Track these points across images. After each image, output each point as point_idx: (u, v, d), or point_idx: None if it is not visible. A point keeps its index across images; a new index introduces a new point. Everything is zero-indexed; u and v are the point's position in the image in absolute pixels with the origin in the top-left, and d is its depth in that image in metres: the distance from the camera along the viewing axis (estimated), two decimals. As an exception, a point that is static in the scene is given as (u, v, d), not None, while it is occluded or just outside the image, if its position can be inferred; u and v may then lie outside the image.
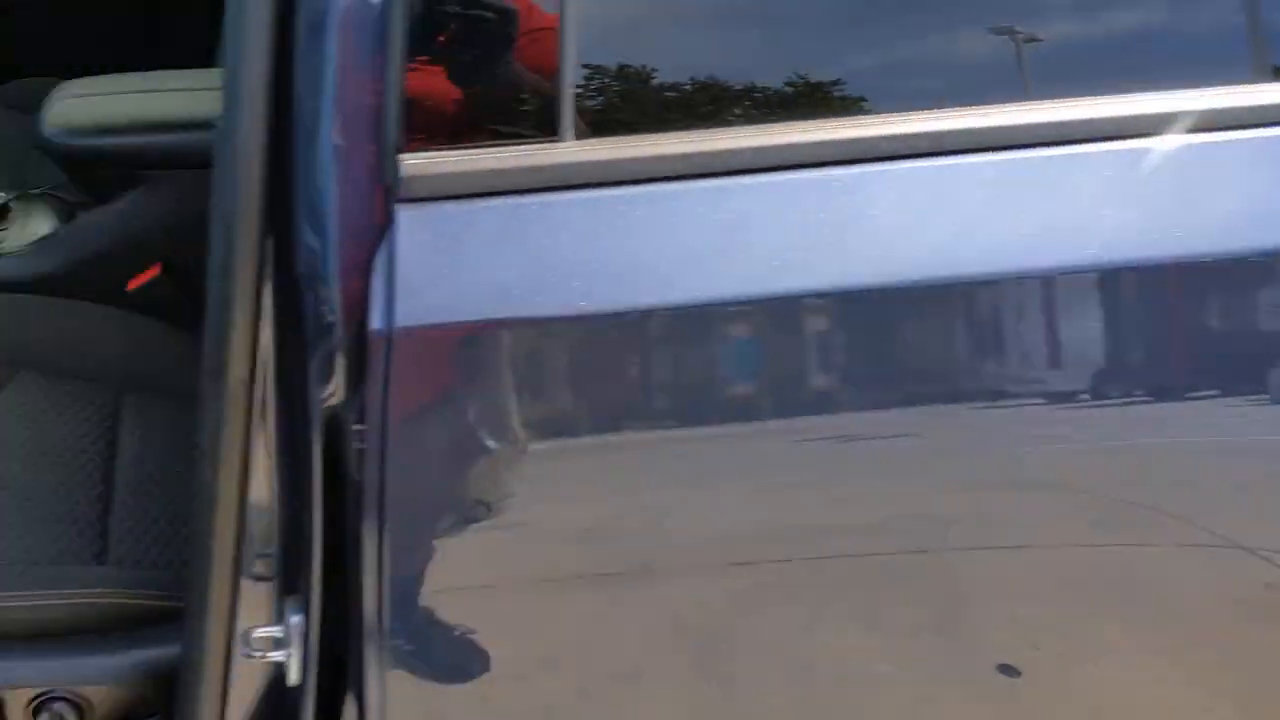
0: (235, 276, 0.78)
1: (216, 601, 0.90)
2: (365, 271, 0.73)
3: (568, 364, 0.76)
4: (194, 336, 1.52)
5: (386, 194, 0.73)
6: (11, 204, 1.55)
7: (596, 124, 0.75)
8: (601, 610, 0.89)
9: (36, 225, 1.54)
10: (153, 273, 1.50)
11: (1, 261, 1.48)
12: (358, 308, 0.74)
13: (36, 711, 1.08)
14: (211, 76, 1.70)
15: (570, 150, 0.74)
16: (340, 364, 0.78)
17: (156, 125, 1.48)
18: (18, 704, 1.08)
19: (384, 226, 0.73)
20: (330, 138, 0.73)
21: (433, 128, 0.73)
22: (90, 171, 1.48)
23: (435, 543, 0.79)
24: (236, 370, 0.82)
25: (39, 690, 1.07)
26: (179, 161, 1.48)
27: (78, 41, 2.19)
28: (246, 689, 0.96)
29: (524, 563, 0.84)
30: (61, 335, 1.43)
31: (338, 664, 0.91)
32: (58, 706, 1.08)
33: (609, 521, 0.83)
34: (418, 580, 0.79)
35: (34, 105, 1.99)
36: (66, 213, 1.60)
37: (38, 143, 1.46)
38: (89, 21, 2.19)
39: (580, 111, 0.74)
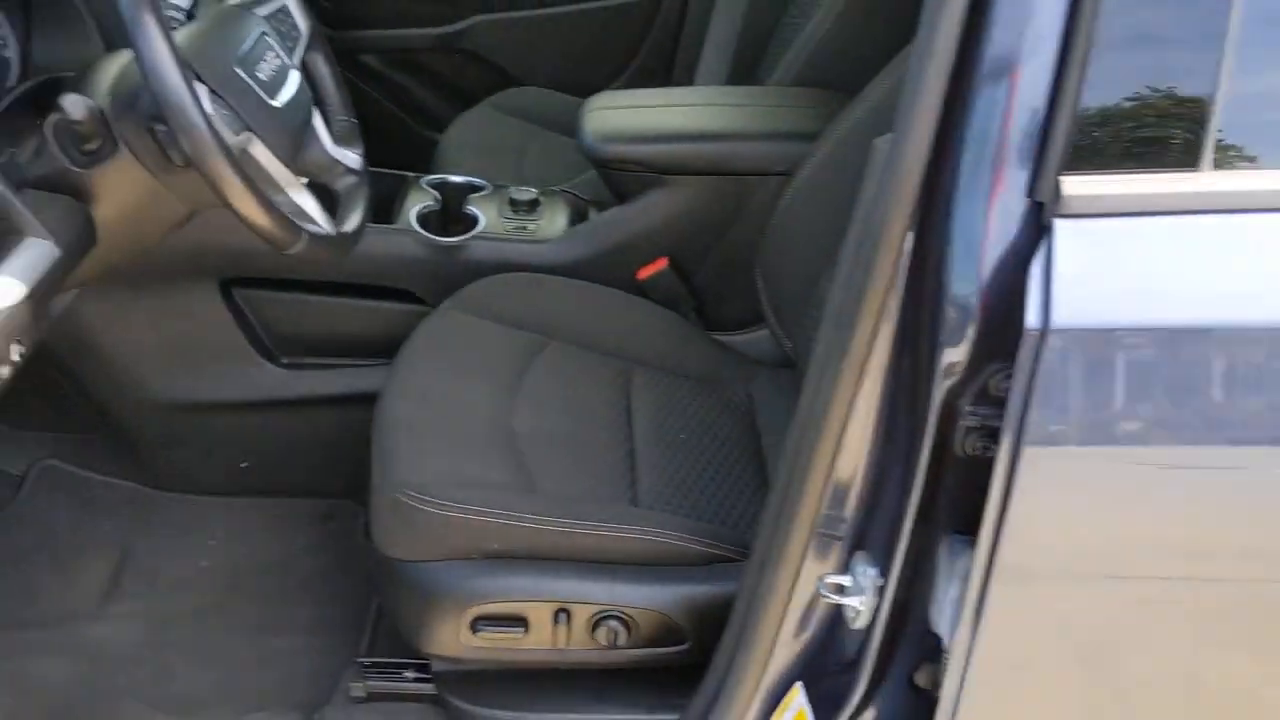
0: (874, 270, 0.91)
1: (791, 552, 1.05)
2: (1015, 276, 0.85)
3: (1204, 371, 0.85)
4: (694, 322, 1.75)
5: (1040, 208, 0.84)
6: (541, 199, 1.80)
7: (1235, 156, 0.84)
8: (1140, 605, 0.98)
9: (560, 218, 1.79)
10: (660, 264, 1.71)
11: (538, 248, 1.72)
12: (1002, 306, 0.86)
13: (595, 625, 1.27)
14: (717, 94, 1.91)
15: (1210, 179, 0.83)
16: (965, 355, 0.90)
17: (678, 135, 1.69)
18: (581, 617, 1.27)
19: (1037, 237, 0.84)
20: (994, 156, 0.85)
21: (1088, 153, 0.84)
22: (619, 172, 1.70)
23: (1055, 517, 0.91)
24: (857, 351, 0.95)
25: (600, 607, 1.27)
26: (694, 168, 1.68)
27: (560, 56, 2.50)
28: (797, 630, 1.10)
29: (1097, 557, 0.95)
30: (585, 312, 1.66)
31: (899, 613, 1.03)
32: (612, 624, 1.27)
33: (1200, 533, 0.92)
34: (1023, 548, 0.91)
35: (523, 111, 2.31)
36: (579, 207, 1.84)
37: (581, 148, 1.70)
38: (571, 38, 2.48)
39: (1220, 145, 0.83)
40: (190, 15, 1.33)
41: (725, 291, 1.77)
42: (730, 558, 1.31)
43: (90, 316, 1.63)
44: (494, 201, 1.81)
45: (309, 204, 1.26)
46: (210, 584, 1.72)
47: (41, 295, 1.08)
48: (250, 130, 1.18)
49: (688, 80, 2.33)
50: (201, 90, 1.13)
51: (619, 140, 1.68)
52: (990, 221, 0.87)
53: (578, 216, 1.81)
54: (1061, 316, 0.83)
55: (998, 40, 0.84)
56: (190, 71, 1.13)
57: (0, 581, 1.66)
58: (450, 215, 1.81)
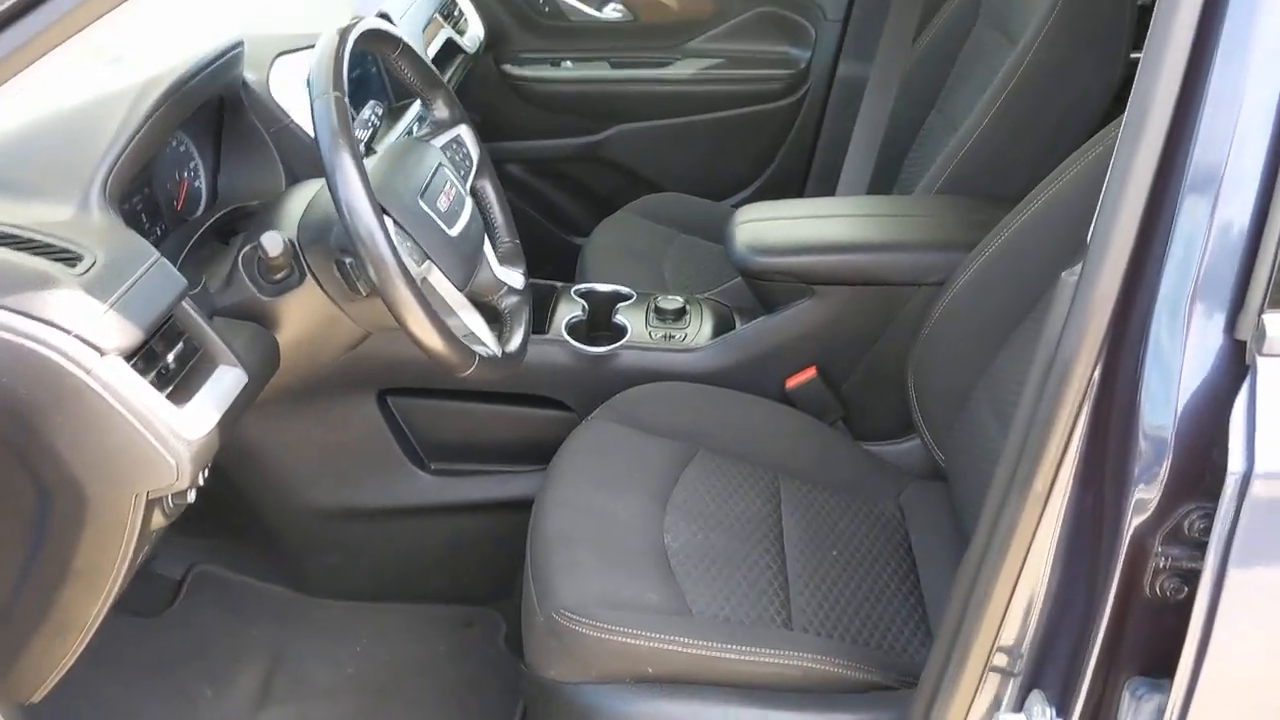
0: (1060, 404, 0.88)
1: (963, 687, 1.01)
2: (1215, 414, 0.82)
3: None
4: (843, 432, 1.73)
5: (1243, 346, 0.81)
6: (687, 307, 1.82)
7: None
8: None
9: (706, 326, 1.80)
10: (809, 374, 1.70)
11: (685, 356, 1.73)
12: (1200, 445, 0.83)
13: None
14: (866, 204, 1.91)
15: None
16: (1158, 493, 0.86)
17: (828, 247, 1.69)
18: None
19: (1239, 376, 0.81)
20: (1192, 290, 0.83)
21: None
22: (768, 283, 1.71)
23: (1258, 663, 0.86)
24: (1039, 484, 0.92)
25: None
26: (844, 278, 1.68)
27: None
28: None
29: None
30: (733, 421, 1.65)
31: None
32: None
33: None
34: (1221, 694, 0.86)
35: (663, 216, 2.35)
36: (724, 315, 1.85)
37: (731, 260, 1.72)
38: (709, 145, 2.52)
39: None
40: (369, 147, 1.40)
41: (874, 401, 1.75)
42: (890, 686, 1.27)
43: (251, 426, 1.69)
44: (640, 309, 1.83)
45: (479, 326, 1.30)
46: (358, 690, 1.74)
47: (230, 421, 1.13)
48: (430, 259, 1.23)
49: (826, 187, 2.35)
50: (389, 224, 1.18)
51: (770, 253, 1.69)
52: (1187, 357, 0.84)
53: (723, 324, 1.82)
54: (1268, 460, 0.79)
55: (1201, 163, 0.82)
56: (379, 206, 1.18)
57: (157, 686, 1.71)
58: (598, 324, 1.84)
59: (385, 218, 1.19)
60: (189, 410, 1.08)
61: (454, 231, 1.27)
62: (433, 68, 1.38)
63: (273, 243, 1.16)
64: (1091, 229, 0.87)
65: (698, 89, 2.47)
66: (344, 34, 1.19)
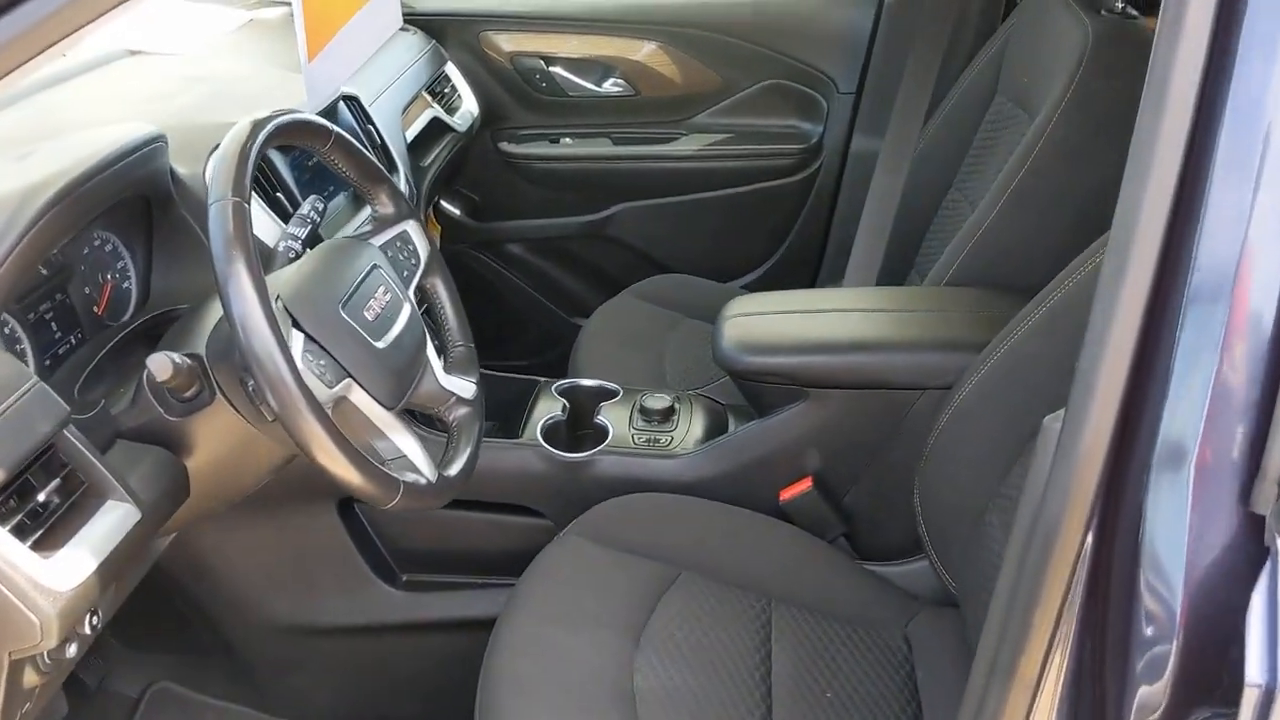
0: (1046, 579, 0.73)
1: None
2: (1228, 605, 0.66)
3: None
4: (844, 551, 1.57)
5: (1261, 524, 0.66)
6: (676, 405, 1.68)
7: None
8: None
9: (696, 427, 1.65)
10: (804, 485, 1.55)
11: (670, 464, 1.59)
12: (1213, 641, 0.67)
13: None
14: (866, 297, 1.75)
15: None
16: (1164, 695, 0.70)
17: (823, 346, 1.54)
18: None
19: (1258, 561, 0.65)
20: (1198, 448, 0.67)
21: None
22: (758, 384, 1.56)
23: None
24: (1025, 671, 0.77)
25: None
26: (843, 381, 1.52)
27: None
28: None
29: None
30: (721, 539, 1.50)
31: None
32: None
33: None
34: None
35: (666, 299, 2.22)
36: (718, 415, 1.71)
37: (717, 359, 1.57)
38: (717, 224, 2.39)
39: None
40: (309, 244, 1.28)
41: (879, 517, 1.59)
42: None
43: (206, 539, 1.58)
44: (626, 408, 1.70)
45: (412, 448, 1.16)
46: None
47: (115, 564, 1.00)
48: (350, 376, 1.10)
49: (841, 265, 2.21)
50: (297, 340, 1.06)
51: (759, 351, 1.55)
52: (1192, 532, 0.68)
53: (715, 426, 1.67)
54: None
55: (1203, 283, 0.67)
56: (288, 319, 1.06)
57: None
58: (581, 422, 1.70)
59: (296, 333, 1.06)
60: (60, 558, 0.95)
61: (383, 343, 1.14)
62: (373, 160, 1.27)
63: (160, 365, 1.04)
64: (1077, 364, 0.72)
65: (704, 165, 2.34)
66: (253, 130, 1.07)
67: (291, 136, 1.16)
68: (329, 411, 1.07)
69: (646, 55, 2.30)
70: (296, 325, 1.07)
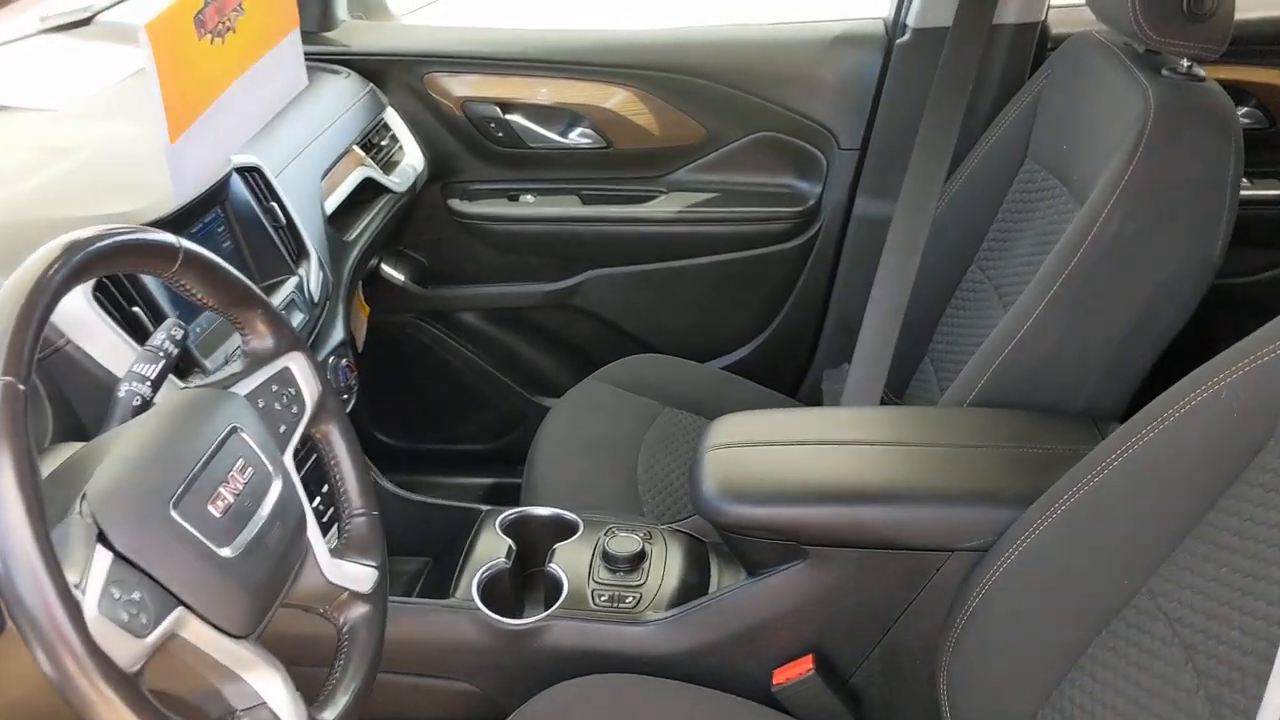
0: None
1: None
2: None
3: None
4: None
5: None
6: (647, 547, 1.37)
7: None
8: None
9: (671, 579, 1.35)
10: (803, 666, 1.24)
11: (638, 632, 1.28)
12: None
13: None
14: (880, 424, 1.45)
15: None
16: None
17: (824, 494, 1.24)
18: None
19: None
20: None
21: None
22: (747, 538, 1.26)
23: None
24: None
25: None
26: (847, 538, 1.22)
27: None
28: None
29: None
30: (701, 736, 1.20)
31: None
32: None
33: None
34: None
35: (641, 384, 1.91)
36: (699, 558, 1.40)
37: (697, 506, 1.27)
38: (699, 294, 2.09)
39: None
40: (158, 385, 0.97)
41: (893, 701, 1.28)
42: None
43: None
44: (587, 549, 1.39)
45: (273, 688, 0.85)
46: None
47: None
48: (183, 604, 0.79)
49: (843, 341, 1.91)
50: (100, 563, 0.75)
51: (747, 499, 1.24)
52: None
53: (696, 576, 1.36)
54: None
55: None
56: (93, 532, 0.75)
57: None
58: (529, 564, 1.40)
59: (103, 552, 0.76)
60: None
61: (233, 549, 0.83)
62: (239, 279, 0.95)
63: None
64: None
65: (686, 229, 2.04)
66: (48, 271, 0.76)
67: (115, 264, 0.84)
68: (147, 659, 0.76)
69: (620, 103, 1.99)
70: (104, 541, 0.76)
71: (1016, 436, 1.29)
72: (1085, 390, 1.34)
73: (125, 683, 0.71)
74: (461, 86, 1.99)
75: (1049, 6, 1.86)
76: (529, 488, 1.64)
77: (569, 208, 2.06)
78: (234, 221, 1.36)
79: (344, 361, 1.49)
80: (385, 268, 2.08)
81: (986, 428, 1.32)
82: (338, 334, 1.51)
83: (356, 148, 1.77)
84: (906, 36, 1.87)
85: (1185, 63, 1.36)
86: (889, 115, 1.92)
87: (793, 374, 2.14)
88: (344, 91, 1.83)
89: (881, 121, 1.93)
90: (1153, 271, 1.29)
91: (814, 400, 2.09)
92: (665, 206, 2.04)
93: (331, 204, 1.62)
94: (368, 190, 1.78)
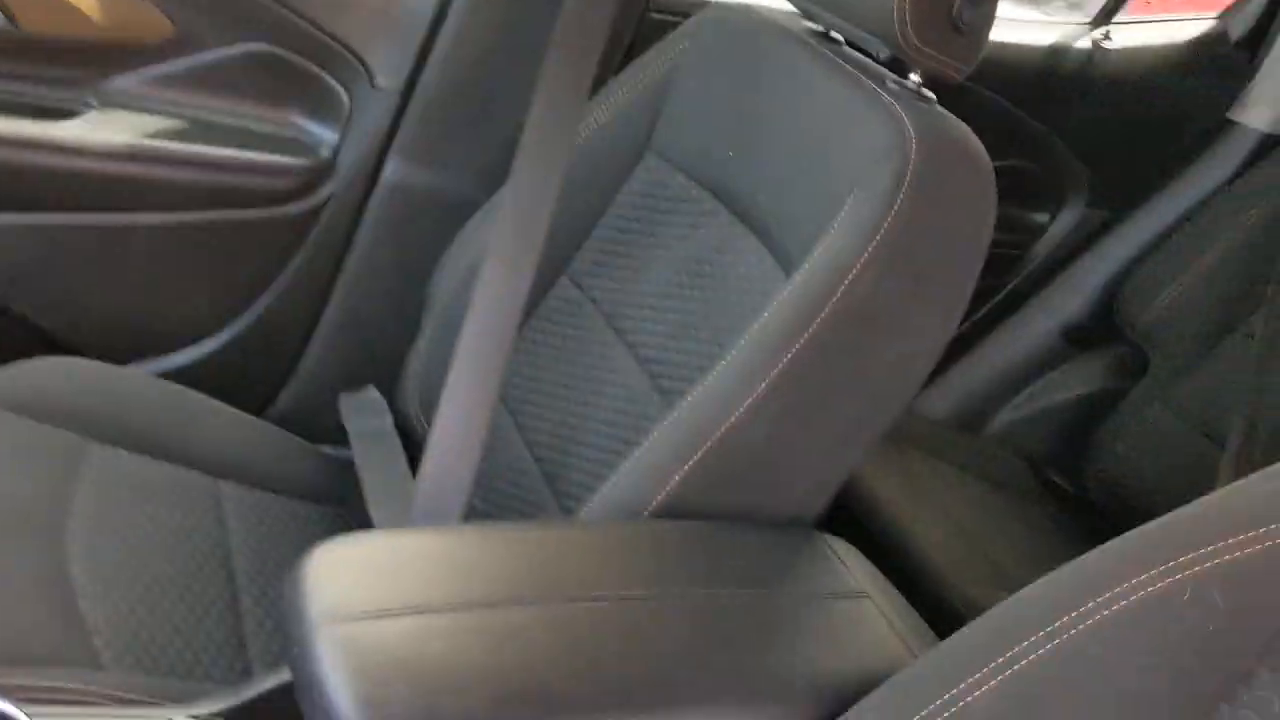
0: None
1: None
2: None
3: None
4: None
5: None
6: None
7: None
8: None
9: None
10: None
11: None
12: None
13: None
14: (563, 555, 0.96)
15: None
16: None
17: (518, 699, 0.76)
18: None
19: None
20: None
21: None
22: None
23: None
24: None
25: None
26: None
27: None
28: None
29: None
30: None
31: None
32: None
33: None
34: None
35: (44, 407, 1.23)
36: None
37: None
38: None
39: None
40: None
41: None
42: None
43: None
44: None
45: None
46: None
47: None
48: None
49: (355, 358, 1.39)
50: None
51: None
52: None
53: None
54: None
55: None
56: None
57: None
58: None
59: None
60: None
61: None
62: None
63: None
64: None
65: (130, 168, 1.35)
66: None
67: None
68: None
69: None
70: None
71: (777, 573, 0.93)
72: (795, 492, 1.02)
73: None
74: None
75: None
76: None
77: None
78: None
79: None
80: None
81: (720, 561, 0.94)
82: None
83: None
84: (490, -47, 1.39)
85: (916, 79, 1.07)
86: (451, 52, 1.42)
87: (263, 389, 1.55)
88: None
89: (438, 59, 1.43)
90: (894, 348, 1.00)
91: (292, 423, 1.51)
92: (99, 131, 1.34)
93: None
94: None
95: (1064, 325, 1.89)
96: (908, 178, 0.96)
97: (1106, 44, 1.81)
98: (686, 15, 1.29)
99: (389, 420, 1.34)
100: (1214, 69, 1.83)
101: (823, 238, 0.99)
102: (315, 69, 1.42)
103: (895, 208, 0.96)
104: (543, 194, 1.15)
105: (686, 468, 0.97)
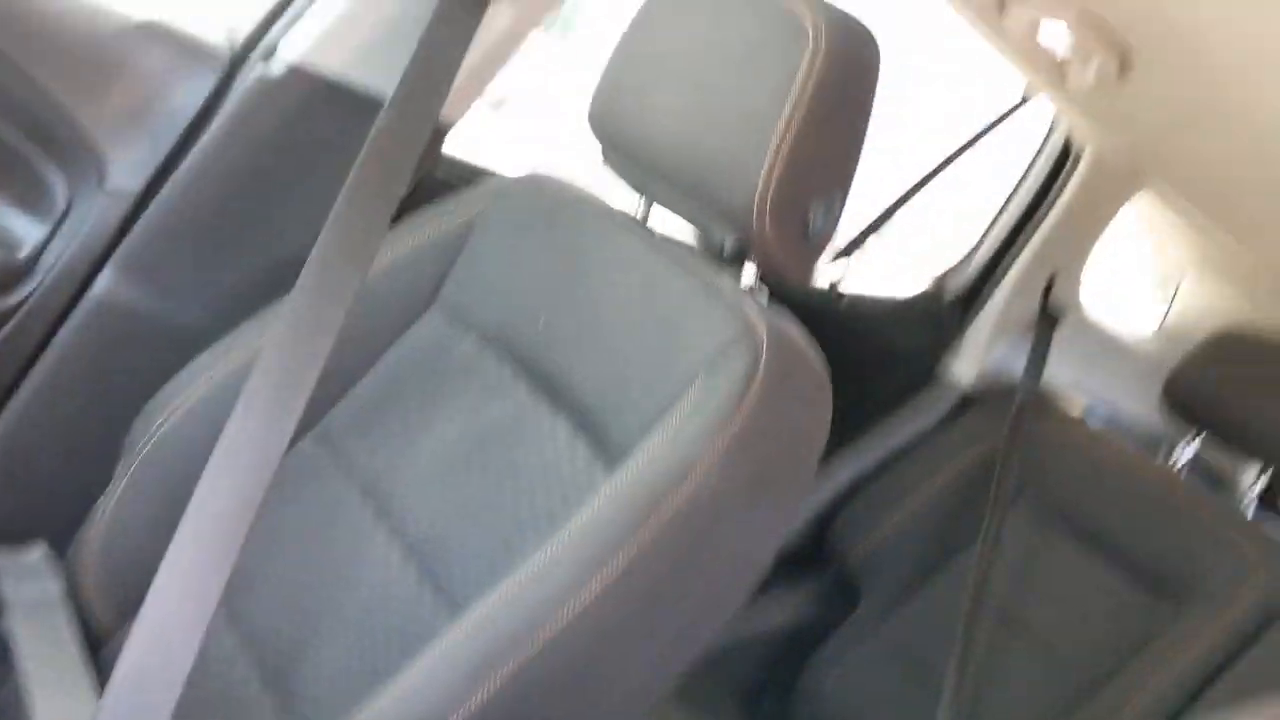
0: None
1: None
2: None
3: None
4: None
5: None
6: None
7: None
8: None
9: None
10: None
11: None
12: None
13: None
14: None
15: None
16: None
17: None
18: None
19: None
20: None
21: None
22: None
23: None
24: None
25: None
26: None
27: None
28: None
29: None
30: None
31: None
32: None
33: None
34: None
35: None
36: None
37: None
38: None
39: None
40: None
41: None
42: None
43: None
44: None
45: None
46: None
47: None
48: None
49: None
50: None
51: None
52: None
53: None
54: None
55: None
56: None
57: None
58: None
59: None
60: None
61: None
62: None
63: None
64: None
65: None
66: None
67: None
68: None
69: None
70: None
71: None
72: (612, 706, 0.89)
73: None
74: None
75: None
76: None
77: None
78: None
79: None
80: None
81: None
82: None
83: None
84: (274, 69, 1.23)
85: (754, 278, 1.04)
86: (204, 166, 1.23)
87: None
88: None
89: (188, 169, 1.23)
90: (735, 547, 0.91)
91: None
92: None
93: None
94: None
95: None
96: (759, 374, 0.90)
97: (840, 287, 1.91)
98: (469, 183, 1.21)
99: (57, 587, 1.07)
100: (928, 323, 1.97)
101: (658, 427, 0.90)
102: (33, 153, 1.18)
103: (744, 402, 0.89)
104: (318, 343, 0.98)
105: (490, 690, 0.81)
